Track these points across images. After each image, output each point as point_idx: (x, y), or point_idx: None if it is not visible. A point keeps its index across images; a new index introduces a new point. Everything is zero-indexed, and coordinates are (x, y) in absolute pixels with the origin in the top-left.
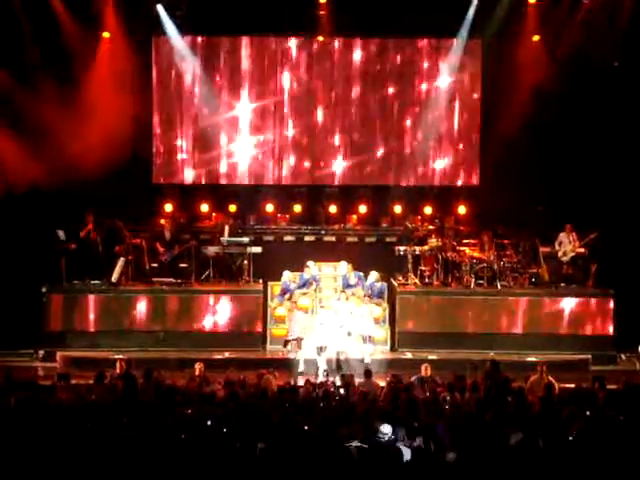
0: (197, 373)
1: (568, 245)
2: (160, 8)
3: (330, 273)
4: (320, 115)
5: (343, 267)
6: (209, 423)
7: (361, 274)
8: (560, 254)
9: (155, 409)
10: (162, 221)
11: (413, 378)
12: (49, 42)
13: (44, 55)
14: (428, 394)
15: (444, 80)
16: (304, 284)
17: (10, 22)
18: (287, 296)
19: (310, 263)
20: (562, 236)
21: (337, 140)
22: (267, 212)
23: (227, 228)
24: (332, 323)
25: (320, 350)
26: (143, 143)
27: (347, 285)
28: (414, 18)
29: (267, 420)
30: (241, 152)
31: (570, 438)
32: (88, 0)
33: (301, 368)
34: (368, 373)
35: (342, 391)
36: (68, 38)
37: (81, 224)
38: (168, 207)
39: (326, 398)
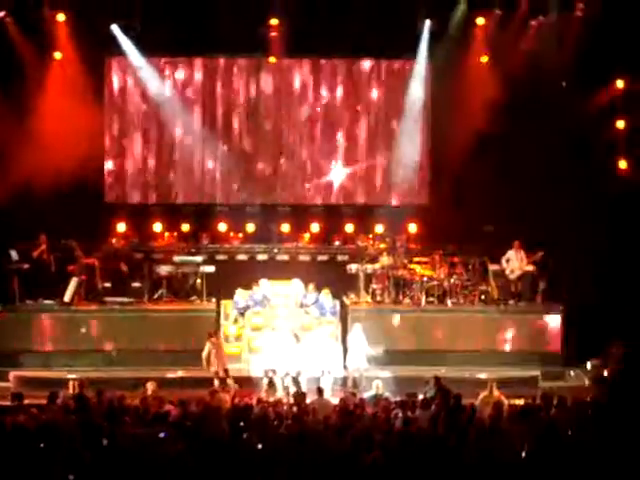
0: (149, 392)
1: (516, 262)
2: (115, 28)
3: (283, 291)
4: (269, 133)
5: (296, 285)
6: (161, 442)
7: (317, 295)
8: (508, 271)
9: (107, 429)
10: (114, 240)
11: (365, 395)
12: (1, 63)
13: None
14: (380, 411)
15: (397, 102)
16: (256, 303)
17: None
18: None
19: (263, 281)
20: (510, 253)
21: (287, 159)
22: (220, 231)
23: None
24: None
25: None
26: (95, 162)
27: (302, 303)
28: (363, 39)
29: (219, 439)
30: (194, 171)
31: (522, 454)
32: (40, 20)
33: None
34: (320, 390)
35: (295, 409)
36: (20, 58)
37: (34, 244)
38: (121, 226)
39: (279, 416)
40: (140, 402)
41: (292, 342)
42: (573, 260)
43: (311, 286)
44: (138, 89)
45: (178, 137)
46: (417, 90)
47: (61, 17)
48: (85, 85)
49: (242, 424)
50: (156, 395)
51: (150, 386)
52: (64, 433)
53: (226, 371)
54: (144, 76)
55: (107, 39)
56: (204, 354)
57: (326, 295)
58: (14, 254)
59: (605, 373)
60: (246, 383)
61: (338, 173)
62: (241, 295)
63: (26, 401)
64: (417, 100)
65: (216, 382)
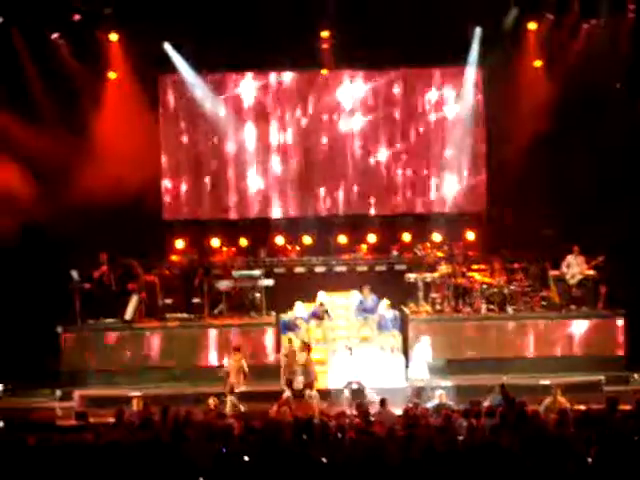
0: (212, 407)
1: (576, 267)
2: (167, 46)
3: (342, 303)
4: (326, 147)
5: (355, 296)
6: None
7: (376, 298)
8: (568, 277)
9: (173, 446)
10: (174, 257)
11: (429, 405)
12: (56, 84)
13: (52, 96)
14: (443, 421)
15: (450, 109)
16: (313, 315)
17: (16, 65)
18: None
19: (321, 293)
20: (570, 258)
21: (343, 170)
22: (277, 244)
23: (240, 261)
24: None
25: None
26: (152, 180)
27: (363, 309)
28: (414, 48)
29: (283, 453)
30: (249, 186)
31: (589, 460)
32: (93, 41)
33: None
34: (383, 402)
35: (358, 421)
36: (75, 79)
37: (95, 265)
38: (179, 243)
39: (342, 429)
40: (204, 417)
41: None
42: (634, 263)
43: (366, 289)
44: (192, 105)
45: (233, 152)
46: (469, 96)
47: (114, 37)
48: (140, 104)
49: (305, 437)
50: (218, 410)
51: (212, 401)
52: (131, 451)
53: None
54: (197, 93)
55: (160, 57)
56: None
57: (387, 307)
58: (75, 274)
59: None
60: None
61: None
62: (301, 308)
63: (91, 420)
64: (469, 106)
65: (287, 393)
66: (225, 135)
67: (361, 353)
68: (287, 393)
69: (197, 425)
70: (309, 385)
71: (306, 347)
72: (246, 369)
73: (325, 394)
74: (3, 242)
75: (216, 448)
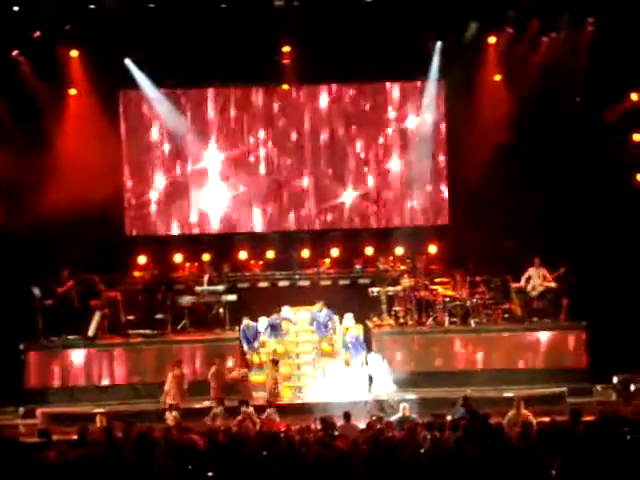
0: (171, 423)
1: (537, 279)
2: (128, 62)
3: (305, 317)
4: (289, 162)
5: (318, 309)
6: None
7: (330, 312)
8: (529, 288)
9: (136, 463)
10: (136, 273)
11: (392, 419)
12: (17, 100)
13: (13, 113)
14: (407, 434)
15: (411, 123)
16: (272, 327)
17: None
18: (257, 343)
19: (285, 308)
20: (531, 270)
21: (306, 185)
22: (240, 259)
23: (206, 277)
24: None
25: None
26: (114, 196)
27: (319, 326)
28: (375, 63)
29: (248, 468)
30: (212, 202)
31: (553, 473)
32: (54, 57)
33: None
34: (347, 415)
35: (321, 435)
36: (36, 96)
37: (58, 281)
38: (142, 259)
39: (305, 443)
40: (164, 433)
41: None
42: (595, 275)
43: (319, 304)
44: (154, 121)
45: (196, 168)
46: (430, 110)
47: (74, 53)
48: (101, 119)
49: (269, 452)
50: (179, 426)
51: (169, 415)
52: (94, 468)
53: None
54: (158, 108)
55: (121, 73)
56: (166, 387)
57: (356, 328)
58: (37, 291)
59: (632, 388)
60: (298, 412)
61: (350, 196)
62: (245, 323)
63: (54, 437)
64: (428, 120)
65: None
66: (188, 150)
67: (326, 367)
68: (250, 408)
69: (161, 441)
70: (271, 401)
71: (274, 363)
72: (185, 386)
73: (295, 409)
74: None
75: (180, 464)
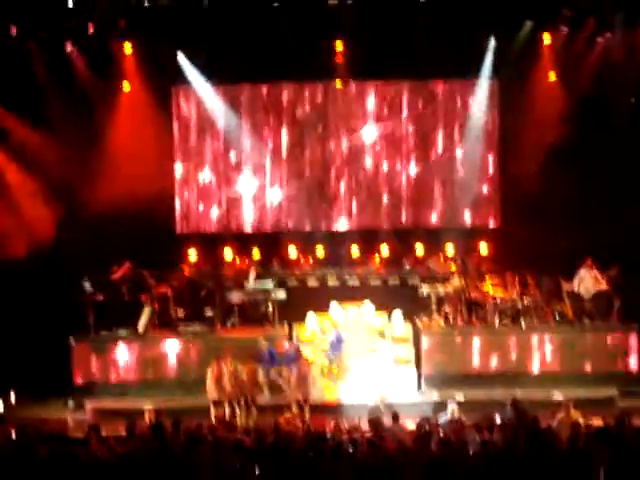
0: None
1: (589, 280)
2: (181, 56)
3: (355, 314)
4: (340, 159)
5: (367, 306)
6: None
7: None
8: (582, 291)
9: (184, 460)
10: (186, 269)
11: (441, 419)
12: (70, 96)
13: (66, 109)
14: (455, 435)
15: (464, 121)
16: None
17: (29, 77)
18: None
19: (333, 303)
20: (582, 272)
21: (357, 183)
22: (290, 257)
23: (253, 273)
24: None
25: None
26: (166, 192)
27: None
28: (429, 60)
29: (296, 467)
30: (264, 198)
31: (601, 476)
32: (107, 51)
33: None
34: (395, 416)
35: (370, 435)
36: (89, 91)
37: (115, 267)
38: (192, 255)
39: (354, 443)
40: (211, 430)
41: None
42: None
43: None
44: (206, 117)
45: (248, 164)
46: (482, 109)
47: (128, 48)
48: (154, 115)
49: (317, 451)
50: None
51: (213, 412)
52: (142, 465)
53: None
54: (210, 105)
55: (174, 68)
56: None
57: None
58: (87, 285)
59: None
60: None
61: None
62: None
63: (103, 432)
64: (479, 119)
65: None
66: (240, 147)
67: (372, 366)
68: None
69: (209, 438)
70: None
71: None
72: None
73: (337, 408)
74: (17, 255)
75: (228, 463)
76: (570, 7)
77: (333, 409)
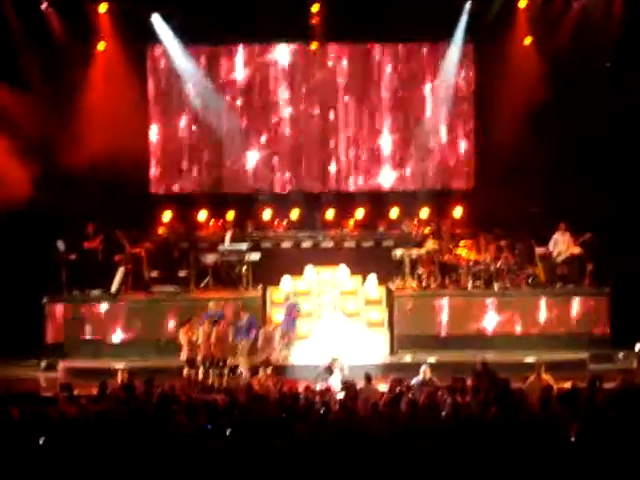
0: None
1: (562, 245)
2: (155, 17)
3: (329, 278)
4: (316, 121)
5: (342, 271)
6: (210, 431)
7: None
8: (555, 254)
9: (157, 420)
10: (160, 230)
11: (413, 381)
12: (45, 54)
13: (40, 67)
14: (428, 397)
15: (437, 84)
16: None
17: (4, 34)
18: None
19: (309, 267)
20: (556, 236)
21: (332, 146)
22: (264, 219)
23: (229, 235)
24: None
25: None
26: (140, 152)
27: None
28: (405, 24)
29: (268, 427)
30: (238, 161)
31: (572, 439)
32: (82, 11)
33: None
34: (368, 378)
35: (341, 396)
36: (64, 50)
37: (82, 235)
38: (166, 216)
39: (326, 404)
40: (184, 391)
41: (337, 329)
42: (621, 241)
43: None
44: (182, 77)
45: (222, 126)
46: (453, 72)
47: (103, 7)
48: (129, 74)
49: (290, 412)
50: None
51: (185, 372)
52: (114, 424)
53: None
54: (183, 67)
55: (149, 28)
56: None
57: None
58: (61, 245)
59: None
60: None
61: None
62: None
63: (75, 391)
64: (448, 82)
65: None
66: (214, 109)
67: (345, 328)
68: (269, 368)
69: (181, 399)
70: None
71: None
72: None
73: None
74: None
75: (200, 423)
76: None
77: (290, 370)
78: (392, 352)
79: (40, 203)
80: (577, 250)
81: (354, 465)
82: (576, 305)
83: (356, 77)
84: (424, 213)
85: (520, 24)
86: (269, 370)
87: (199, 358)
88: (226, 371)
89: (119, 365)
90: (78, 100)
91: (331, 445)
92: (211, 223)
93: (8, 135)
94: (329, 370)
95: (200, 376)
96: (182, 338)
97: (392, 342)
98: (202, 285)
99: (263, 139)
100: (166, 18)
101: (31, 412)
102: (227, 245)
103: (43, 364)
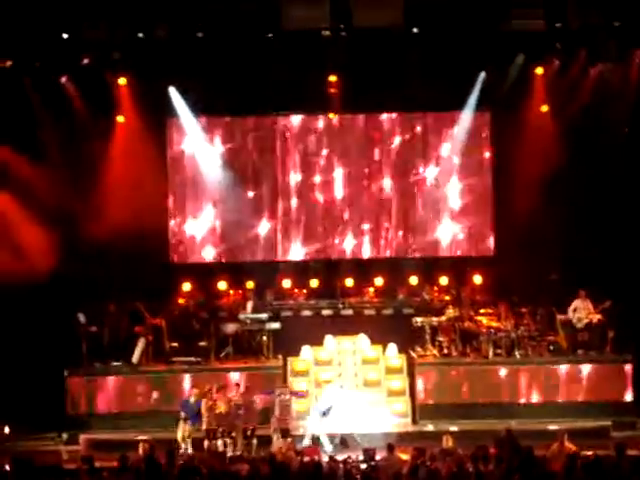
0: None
1: (583, 311)
2: (172, 90)
3: (349, 347)
4: (331, 190)
5: (362, 340)
6: None
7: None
8: (575, 320)
9: None
10: (180, 300)
11: (436, 450)
12: (65, 127)
13: (60, 140)
14: (452, 466)
15: (455, 152)
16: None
17: (24, 107)
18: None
19: (328, 337)
20: (576, 302)
21: (350, 213)
22: (284, 288)
23: (250, 304)
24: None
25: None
26: (159, 223)
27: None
28: (423, 94)
29: None
30: (256, 230)
31: None
32: (102, 84)
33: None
34: (390, 447)
35: (364, 466)
36: (83, 123)
37: (102, 310)
38: (186, 286)
39: (348, 475)
40: (207, 461)
41: (353, 398)
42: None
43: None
44: (199, 150)
45: (241, 196)
46: (460, 140)
47: (122, 80)
48: (148, 147)
49: None
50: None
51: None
52: None
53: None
54: (199, 139)
55: (168, 101)
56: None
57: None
58: (82, 317)
59: None
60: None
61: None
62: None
63: (97, 464)
64: (477, 151)
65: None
66: (230, 180)
67: (361, 398)
68: (289, 438)
69: (204, 469)
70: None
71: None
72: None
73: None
74: (11, 285)
75: None
76: (561, 39)
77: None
78: (414, 421)
79: (61, 275)
80: (598, 317)
81: None
82: (598, 372)
83: (374, 145)
84: (444, 280)
85: (537, 92)
86: (289, 439)
87: (220, 429)
88: (248, 441)
89: (140, 436)
90: (97, 172)
91: None
92: (231, 292)
93: (30, 207)
94: (343, 441)
95: (220, 447)
96: (203, 408)
97: (414, 411)
98: (222, 355)
99: (282, 207)
100: (183, 91)
101: None
102: (248, 314)
103: (65, 436)
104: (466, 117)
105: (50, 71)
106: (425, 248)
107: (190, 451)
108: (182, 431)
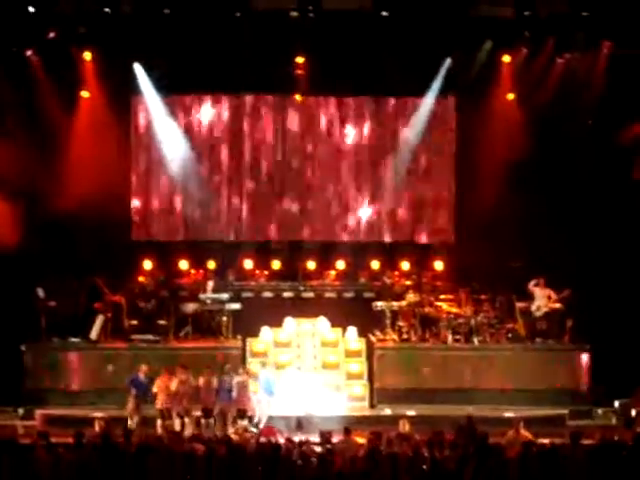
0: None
1: (542, 300)
2: (137, 67)
3: (309, 329)
4: (296, 171)
5: (322, 323)
6: None
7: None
8: (534, 309)
9: (134, 470)
10: (141, 278)
11: (392, 435)
12: (28, 100)
13: (23, 113)
14: (407, 451)
15: (419, 136)
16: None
17: None
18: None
19: (288, 319)
20: (536, 291)
21: (315, 197)
22: (246, 268)
23: (211, 284)
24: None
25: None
26: (122, 200)
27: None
28: (388, 78)
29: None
30: (220, 209)
31: None
32: (67, 58)
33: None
34: (347, 430)
35: (320, 449)
36: (47, 96)
37: (61, 283)
38: (147, 264)
39: (304, 457)
40: (163, 440)
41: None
42: (600, 297)
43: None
44: (162, 127)
45: (204, 175)
46: (421, 125)
47: (88, 55)
48: (112, 123)
49: (269, 464)
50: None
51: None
52: (91, 473)
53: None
54: (163, 117)
55: (134, 77)
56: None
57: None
58: (41, 292)
59: (633, 413)
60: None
61: (364, 211)
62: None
63: (53, 439)
64: (440, 136)
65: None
66: (196, 157)
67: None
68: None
69: (160, 449)
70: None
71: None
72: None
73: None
74: None
75: (179, 474)
76: (530, 27)
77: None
78: (372, 405)
79: (21, 249)
80: (557, 305)
81: None
82: (556, 360)
83: (339, 128)
84: (405, 265)
85: (504, 78)
86: (246, 421)
87: (175, 409)
88: (203, 421)
89: (97, 413)
90: (60, 146)
91: None
92: (192, 272)
93: None
94: (299, 424)
95: (177, 427)
96: (157, 387)
97: (372, 395)
98: (182, 334)
99: (246, 187)
100: (149, 67)
101: (8, 458)
102: (209, 294)
103: (20, 411)
104: (429, 102)
105: (15, 44)
106: (388, 233)
107: (134, 427)
108: (131, 406)
